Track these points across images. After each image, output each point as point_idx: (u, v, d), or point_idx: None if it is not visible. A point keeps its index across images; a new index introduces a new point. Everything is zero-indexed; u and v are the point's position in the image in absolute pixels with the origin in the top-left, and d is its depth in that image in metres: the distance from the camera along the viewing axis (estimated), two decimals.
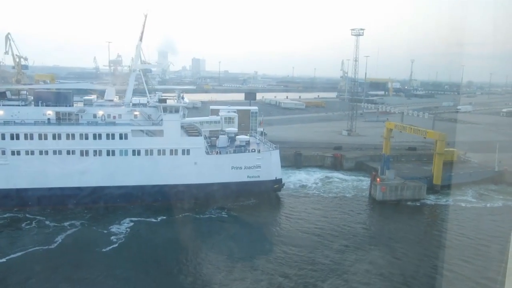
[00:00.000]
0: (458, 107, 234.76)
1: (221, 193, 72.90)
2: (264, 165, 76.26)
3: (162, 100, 74.08)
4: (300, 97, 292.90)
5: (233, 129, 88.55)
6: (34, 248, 55.24)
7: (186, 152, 72.57)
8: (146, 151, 71.27)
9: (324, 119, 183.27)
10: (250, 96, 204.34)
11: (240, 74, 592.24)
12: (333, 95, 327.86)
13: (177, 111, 73.19)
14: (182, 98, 78.50)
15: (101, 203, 69.45)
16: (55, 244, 56.99)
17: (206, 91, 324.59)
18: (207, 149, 75.42)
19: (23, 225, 63.41)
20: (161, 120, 72.49)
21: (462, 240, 62.06)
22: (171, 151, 72.08)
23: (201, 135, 76.39)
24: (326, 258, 55.29)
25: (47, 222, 63.89)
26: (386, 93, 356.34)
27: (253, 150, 77.55)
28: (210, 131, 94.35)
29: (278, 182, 78.84)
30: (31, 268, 50.70)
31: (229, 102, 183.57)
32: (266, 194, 78.21)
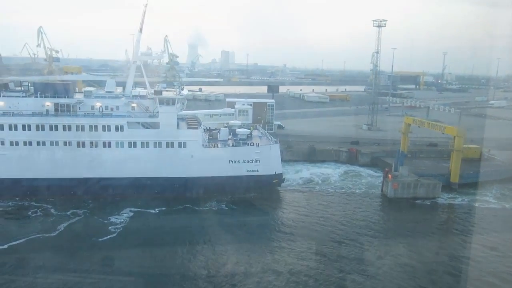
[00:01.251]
0: (491, 102, 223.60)
1: (219, 187, 71.35)
2: (263, 159, 73.76)
3: (158, 92, 72.57)
4: (326, 90, 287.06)
5: (236, 122, 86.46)
6: (36, 236, 56.04)
7: (182, 144, 71.14)
8: (142, 143, 70.30)
9: (347, 113, 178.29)
10: (273, 89, 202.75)
11: (269, 66, 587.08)
12: (361, 88, 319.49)
13: (173, 103, 71.71)
14: (182, 89, 76.98)
15: (95, 194, 69.20)
16: (56, 232, 57.66)
17: (233, 84, 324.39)
18: (204, 142, 73.66)
19: (28, 213, 64.19)
20: (157, 112, 71.23)
21: (471, 243, 58.44)
22: (167, 143, 70.90)
23: (200, 128, 74.45)
24: (321, 251, 54.43)
25: (52, 211, 64.54)
26: (417, 87, 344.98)
27: (252, 144, 74.85)
28: (225, 123, 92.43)
29: (278, 177, 76.14)
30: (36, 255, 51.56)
31: (251, 95, 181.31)
32: (266, 189, 75.62)
